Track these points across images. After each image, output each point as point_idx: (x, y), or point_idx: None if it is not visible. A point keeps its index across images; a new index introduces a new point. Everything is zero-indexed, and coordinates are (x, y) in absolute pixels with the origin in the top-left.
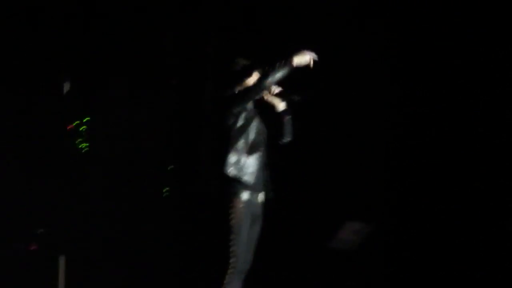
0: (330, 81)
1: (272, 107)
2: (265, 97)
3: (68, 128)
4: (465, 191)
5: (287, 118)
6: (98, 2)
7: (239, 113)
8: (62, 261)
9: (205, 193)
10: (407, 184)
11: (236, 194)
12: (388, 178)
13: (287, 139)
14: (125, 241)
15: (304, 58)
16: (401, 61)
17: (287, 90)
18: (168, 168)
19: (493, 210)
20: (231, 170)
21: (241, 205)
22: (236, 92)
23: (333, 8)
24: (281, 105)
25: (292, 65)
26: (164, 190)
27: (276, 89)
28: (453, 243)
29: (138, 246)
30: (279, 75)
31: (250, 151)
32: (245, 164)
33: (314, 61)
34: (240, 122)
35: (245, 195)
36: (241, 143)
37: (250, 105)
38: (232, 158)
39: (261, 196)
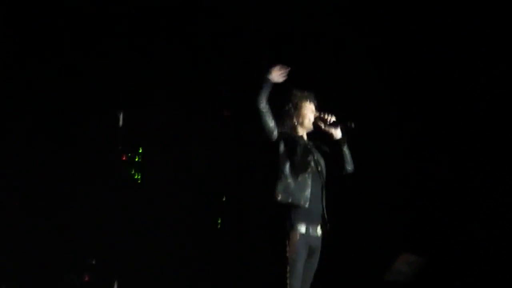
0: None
1: (329, 136)
2: (322, 127)
3: (123, 158)
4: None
5: (345, 146)
6: (154, 34)
7: (280, 140)
8: None
9: (259, 223)
10: (462, 217)
11: (292, 225)
12: (443, 211)
13: (348, 168)
14: (179, 273)
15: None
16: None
17: (342, 118)
18: (223, 199)
19: None
20: (281, 197)
21: (297, 237)
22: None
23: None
24: (338, 134)
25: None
26: (218, 221)
27: (331, 118)
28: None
29: (192, 278)
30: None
31: (297, 174)
32: (294, 188)
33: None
34: (282, 148)
35: (302, 228)
36: (287, 168)
37: (292, 127)
38: (280, 184)
39: (318, 229)
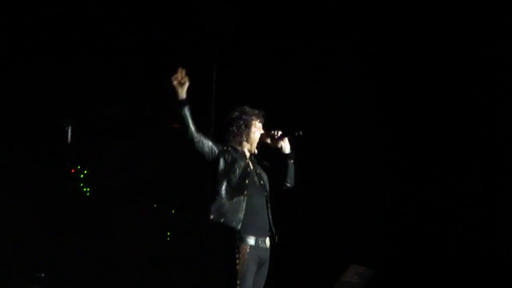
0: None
1: (278, 151)
2: (268, 141)
3: (72, 171)
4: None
5: (291, 162)
6: (100, 46)
7: (220, 157)
8: None
9: (208, 237)
10: (410, 227)
11: (241, 238)
12: (391, 221)
13: (289, 184)
14: (130, 286)
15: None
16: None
17: (288, 130)
18: (172, 212)
19: None
20: (213, 217)
21: (247, 250)
22: None
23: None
24: (286, 148)
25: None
26: (167, 234)
27: (278, 132)
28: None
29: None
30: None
31: (233, 196)
32: (227, 210)
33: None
34: (221, 167)
35: (251, 240)
36: (223, 188)
37: (239, 144)
38: (214, 204)
39: (267, 241)
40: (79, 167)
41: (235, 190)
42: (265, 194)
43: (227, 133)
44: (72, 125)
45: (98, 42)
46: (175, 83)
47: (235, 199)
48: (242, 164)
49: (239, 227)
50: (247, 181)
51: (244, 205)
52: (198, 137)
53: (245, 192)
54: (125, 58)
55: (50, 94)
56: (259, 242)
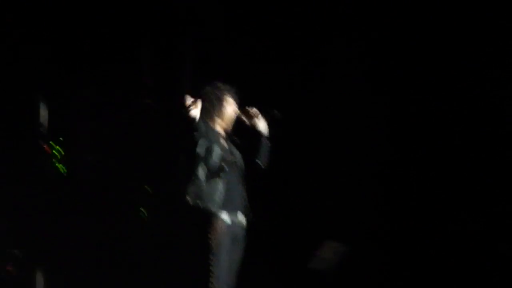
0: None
1: (250, 128)
2: (243, 118)
3: (45, 148)
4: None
5: (265, 142)
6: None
7: (196, 139)
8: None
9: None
10: (387, 202)
11: (215, 214)
12: (366, 197)
13: (261, 163)
14: (105, 263)
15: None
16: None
17: (266, 109)
18: (147, 190)
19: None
20: (190, 199)
21: (221, 227)
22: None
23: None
24: (261, 126)
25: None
26: (141, 210)
27: (252, 109)
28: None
29: (119, 268)
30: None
31: (211, 175)
32: (205, 192)
33: None
34: (199, 149)
35: (225, 217)
36: (200, 170)
37: (208, 129)
38: (191, 187)
39: (241, 217)
40: (51, 143)
41: (212, 171)
42: (239, 172)
43: (201, 110)
44: (46, 103)
45: (74, 18)
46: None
47: (212, 180)
48: (218, 143)
49: (214, 209)
50: (223, 162)
51: (221, 186)
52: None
53: (222, 173)
54: (99, 36)
55: (25, 71)
56: (234, 218)
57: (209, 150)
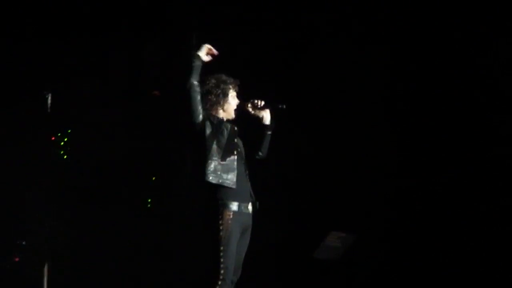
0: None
1: (259, 121)
2: (250, 110)
3: (52, 139)
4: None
5: (269, 133)
6: (80, 15)
7: (206, 121)
8: (45, 273)
9: (190, 204)
10: (392, 195)
11: (225, 205)
12: (371, 188)
13: (262, 154)
14: (109, 252)
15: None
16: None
17: (272, 102)
18: (152, 179)
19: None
20: (211, 178)
21: (230, 216)
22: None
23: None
24: (267, 119)
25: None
26: (148, 201)
27: (261, 102)
28: (437, 256)
29: (122, 257)
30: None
31: (224, 157)
32: (221, 170)
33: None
34: (208, 130)
35: (234, 206)
36: (214, 150)
37: (216, 112)
38: (209, 166)
39: (250, 207)
40: (59, 134)
41: (226, 151)
42: (243, 161)
43: (205, 101)
44: (52, 93)
45: (79, 11)
46: (207, 47)
47: (227, 159)
48: (228, 125)
49: (235, 186)
50: (235, 140)
51: (235, 164)
52: (197, 86)
53: (235, 152)
54: (105, 27)
55: (31, 63)
56: (242, 207)
57: (221, 131)
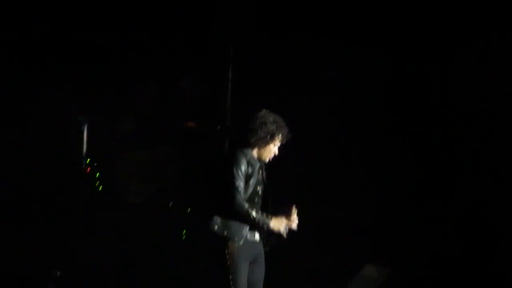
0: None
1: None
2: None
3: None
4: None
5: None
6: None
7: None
8: None
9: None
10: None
11: (229, 238)
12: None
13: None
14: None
15: (279, 226)
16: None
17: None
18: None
19: None
20: (216, 228)
21: (235, 246)
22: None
23: None
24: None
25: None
26: (183, 233)
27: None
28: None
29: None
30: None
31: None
32: (234, 222)
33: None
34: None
35: (239, 236)
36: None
37: (253, 146)
38: (218, 217)
39: (256, 235)
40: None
41: (248, 200)
42: (265, 194)
43: (252, 132)
44: (87, 124)
45: (115, 46)
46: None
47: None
48: (257, 175)
49: (241, 243)
50: (258, 188)
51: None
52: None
53: (255, 203)
54: (139, 61)
55: (66, 93)
56: (248, 236)
57: (249, 184)
